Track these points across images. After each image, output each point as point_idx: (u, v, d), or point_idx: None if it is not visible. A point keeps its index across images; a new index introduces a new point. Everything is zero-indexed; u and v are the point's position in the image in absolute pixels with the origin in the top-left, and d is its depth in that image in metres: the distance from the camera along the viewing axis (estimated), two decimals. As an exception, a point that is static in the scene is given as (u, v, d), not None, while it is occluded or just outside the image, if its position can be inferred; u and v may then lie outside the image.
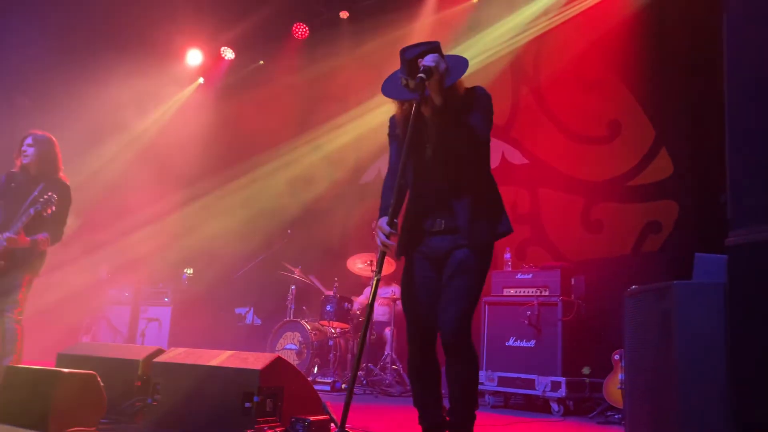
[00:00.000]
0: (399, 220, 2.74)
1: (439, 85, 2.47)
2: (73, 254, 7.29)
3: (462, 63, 2.62)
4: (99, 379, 3.03)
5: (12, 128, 5.55)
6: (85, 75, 7.87)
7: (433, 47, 2.56)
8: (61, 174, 4.46)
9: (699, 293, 1.89)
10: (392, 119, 2.84)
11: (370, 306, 2.61)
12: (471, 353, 2.55)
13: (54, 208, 4.10)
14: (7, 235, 4.09)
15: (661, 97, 6.04)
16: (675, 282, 1.96)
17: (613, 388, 4.65)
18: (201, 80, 9.51)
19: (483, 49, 7.03)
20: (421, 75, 2.43)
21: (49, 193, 4.09)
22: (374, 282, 2.59)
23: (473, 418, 2.56)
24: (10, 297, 4.14)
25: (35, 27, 7.01)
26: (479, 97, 2.63)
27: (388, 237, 2.54)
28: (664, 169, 5.95)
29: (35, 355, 4.94)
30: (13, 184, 4.37)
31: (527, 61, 7.01)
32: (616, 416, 4.55)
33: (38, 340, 5.49)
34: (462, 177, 2.62)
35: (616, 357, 4.73)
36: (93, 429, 2.90)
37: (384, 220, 2.59)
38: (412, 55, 2.53)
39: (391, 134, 2.86)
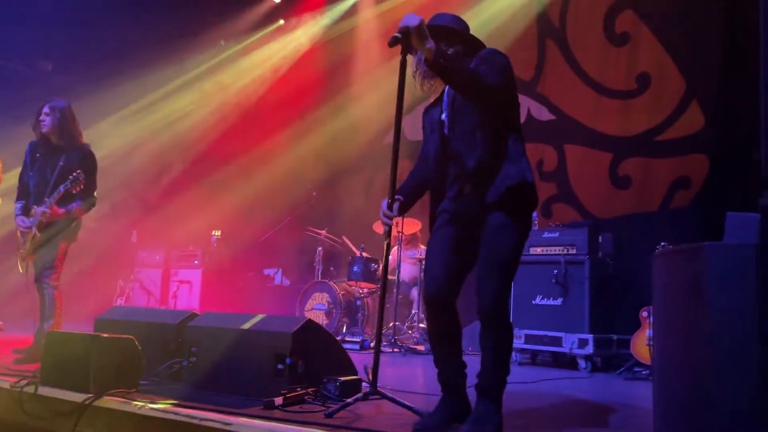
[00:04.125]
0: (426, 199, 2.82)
1: (419, 39, 2.39)
2: (103, 219, 7.43)
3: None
4: (137, 343, 3.13)
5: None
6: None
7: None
8: (82, 139, 4.49)
9: (731, 255, 1.86)
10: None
11: (385, 269, 2.79)
12: (506, 324, 2.55)
13: (82, 186, 4.18)
14: (41, 209, 4.21)
15: (693, 47, 5.85)
16: (707, 243, 1.93)
17: (641, 344, 4.66)
18: (223, 43, 9.44)
19: (507, 5, 6.86)
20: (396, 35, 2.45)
21: (77, 172, 4.16)
22: (385, 245, 2.75)
23: (504, 384, 2.55)
24: (47, 264, 4.28)
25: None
26: (483, 57, 2.53)
27: (388, 218, 2.71)
28: (695, 123, 5.81)
29: (73, 318, 5.09)
30: (38, 155, 4.41)
31: (553, 14, 6.82)
32: (644, 372, 4.58)
33: (75, 304, 5.67)
34: (482, 138, 2.54)
35: (644, 314, 4.73)
36: (133, 390, 2.99)
37: (385, 201, 2.73)
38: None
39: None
